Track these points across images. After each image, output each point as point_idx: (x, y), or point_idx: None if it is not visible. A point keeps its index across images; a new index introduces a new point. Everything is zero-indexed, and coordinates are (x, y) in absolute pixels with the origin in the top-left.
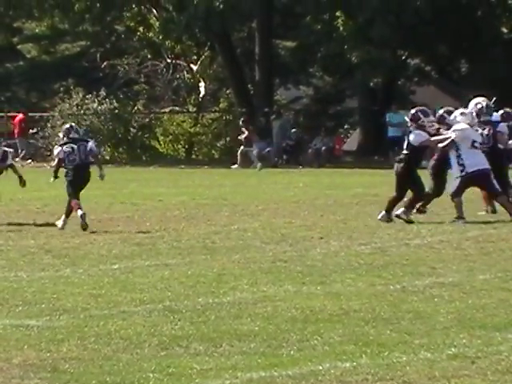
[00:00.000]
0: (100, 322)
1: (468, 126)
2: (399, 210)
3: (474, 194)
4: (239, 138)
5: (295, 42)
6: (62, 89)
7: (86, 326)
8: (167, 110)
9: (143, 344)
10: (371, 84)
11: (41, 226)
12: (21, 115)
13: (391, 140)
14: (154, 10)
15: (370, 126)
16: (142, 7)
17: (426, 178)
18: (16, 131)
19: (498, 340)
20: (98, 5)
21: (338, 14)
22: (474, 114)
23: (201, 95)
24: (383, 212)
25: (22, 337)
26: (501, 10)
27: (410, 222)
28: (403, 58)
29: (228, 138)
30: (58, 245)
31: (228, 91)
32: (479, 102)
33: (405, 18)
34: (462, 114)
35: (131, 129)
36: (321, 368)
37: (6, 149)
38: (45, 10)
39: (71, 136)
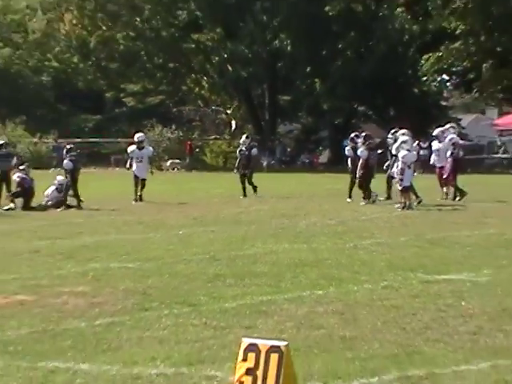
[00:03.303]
0: (171, 265)
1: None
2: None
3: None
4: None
5: (290, 97)
6: (148, 124)
7: (162, 268)
8: (212, 137)
9: (197, 279)
10: (336, 122)
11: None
12: (189, 142)
13: (347, 157)
14: (205, 77)
15: (335, 148)
16: (198, 75)
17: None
18: (187, 151)
19: (410, 276)
20: (171, 74)
21: (316, 80)
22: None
23: (232, 129)
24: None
25: (124, 274)
26: (413, 79)
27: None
28: (355, 106)
29: None
30: (147, 219)
31: (249, 126)
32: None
33: (356, 83)
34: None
35: None
36: (304, 294)
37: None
38: (139, 77)
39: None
